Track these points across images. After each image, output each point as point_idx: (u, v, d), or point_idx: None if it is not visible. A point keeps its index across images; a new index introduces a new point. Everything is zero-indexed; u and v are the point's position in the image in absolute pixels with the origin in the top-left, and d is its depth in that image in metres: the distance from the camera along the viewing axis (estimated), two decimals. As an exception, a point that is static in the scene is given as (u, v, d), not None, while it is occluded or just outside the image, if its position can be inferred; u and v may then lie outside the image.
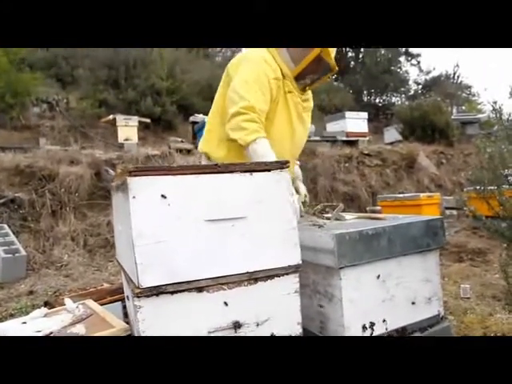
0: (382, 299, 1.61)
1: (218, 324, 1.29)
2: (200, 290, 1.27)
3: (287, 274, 1.38)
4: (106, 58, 8.91)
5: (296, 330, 1.39)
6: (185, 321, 1.25)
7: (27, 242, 4.03)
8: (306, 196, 2.01)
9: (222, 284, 1.30)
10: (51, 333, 1.34)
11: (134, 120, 6.75)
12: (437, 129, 8.92)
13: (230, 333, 1.30)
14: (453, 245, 4.41)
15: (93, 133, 7.20)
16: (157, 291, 1.21)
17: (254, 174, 1.37)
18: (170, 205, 1.24)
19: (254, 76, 1.63)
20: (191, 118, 8.12)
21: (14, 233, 3.98)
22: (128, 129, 6.55)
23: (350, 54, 18.37)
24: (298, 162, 2.14)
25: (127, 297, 1.65)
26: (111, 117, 6.75)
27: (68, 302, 1.65)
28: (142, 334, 1.20)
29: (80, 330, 1.35)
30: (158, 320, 1.22)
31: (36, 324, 1.43)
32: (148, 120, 7.04)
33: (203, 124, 6.73)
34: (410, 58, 18.34)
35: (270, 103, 1.66)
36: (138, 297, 1.20)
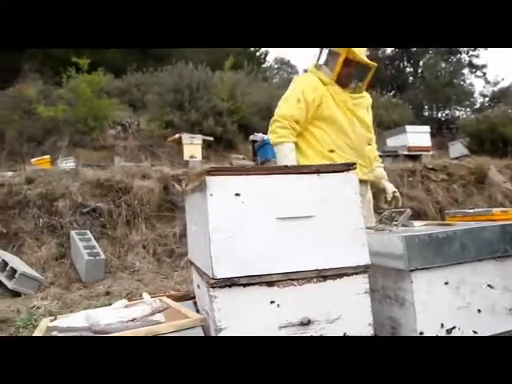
0: (457, 306, 1.54)
1: (289, 319, 1.32)
2: (271, 284, 1.32)
3: (356, 273, 1.39)
4: (172, 83, 9.50)
5: (367, 332, 1.38)
6: (256, 313, 1.30)
7: (105, 248, 4.42)
8: (395, 192, 2.16)
9: (293, 280, 1.33)
10: (134, 319, 1.45)
11: (199, 138, 7.12)
12: (509, 141, 8.36)
13: (300, 329, 1.33)
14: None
15: (160, 151, 7.67)
16: (230, 283, 1.28)
17: (322, 174, 1.41)
18: (244, 202, 1.32)
19: (292, 93, 2.07)
20: (251, 137, 8.37)
21: (95, 238, 4.39)
22: (193, 147, 6.91)
23: (408, 70, 17.94)
24: (382, 164, 2.26)
25: (198, 298, 1.74)
26: (177, 136, 7.18)
27: (146, 296, 1.77)
28: (218, 324, 1.26)
29: (160, 318, 1.45)
30: (232, 310, 1.28)
31: (119, 312, 1.55)
32: (211, 138, 7.38)
33: (263, 142, 6.89)
34: (474, 70, 17.49)
35: (308, 110, 2.03)
36: (213, 287, 1.27)
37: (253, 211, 1.33)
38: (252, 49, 17.80)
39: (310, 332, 1.33)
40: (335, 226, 1.39)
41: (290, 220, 1.36)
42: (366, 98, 2.22)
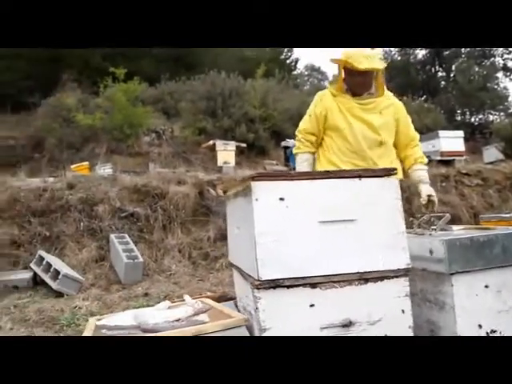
0: (498, 310, 1.54)
1: (330, 320, 1.36)
2: (313, 286, 1.37)
3: (397, 276, 1.42)
4: (205, 91, 9.71)
5: (408, 334, 1.40)
6: (299, 314, 1.35)
7: (143, 251, 4.59)
8: (430, 196, 2.14)
9: (334, 282, 1.38)
10: (179, 319, 1.52)
11: (232, 145, 7.29)
12: (546, 146, 8.06)
13: (342, 330, 1.37)
14: None
15: (193, 158, 7.86)
16: (274, 284, 1.34)
17: (363, 179, 1.45)
18: (288, 207, 1.38)
19: (308, 110, 2.32)
20: (283, 143, 8.45)
21: (133, 242, 4.56)
22: (226, 153, 7.08)
23: (439, 74, 17.57)
24: (425, 166, 2.27)
25: (239, 299, 1.80)
26: (211, 142, 7.37)
27: (187, 297, 1.84)
28: (263, 324, 1.32)
29: (204, 318, 1.51)
30: (276, 311, 1.34)
31: (163, 313, 1.62)
32: (244, 145, 7.54)
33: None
34: (508, 73, 16.93)
35: (318, 122, 2.23)
36: (258, 288, 1.33)
37: (296, 215, 1.38)
38: (282, 56, 17.90)
39: (352, 333, 1.37)
40: (376, 230, 1.43)
41: (333, 223, 1.40)
42: (380, 102, 2.18)
